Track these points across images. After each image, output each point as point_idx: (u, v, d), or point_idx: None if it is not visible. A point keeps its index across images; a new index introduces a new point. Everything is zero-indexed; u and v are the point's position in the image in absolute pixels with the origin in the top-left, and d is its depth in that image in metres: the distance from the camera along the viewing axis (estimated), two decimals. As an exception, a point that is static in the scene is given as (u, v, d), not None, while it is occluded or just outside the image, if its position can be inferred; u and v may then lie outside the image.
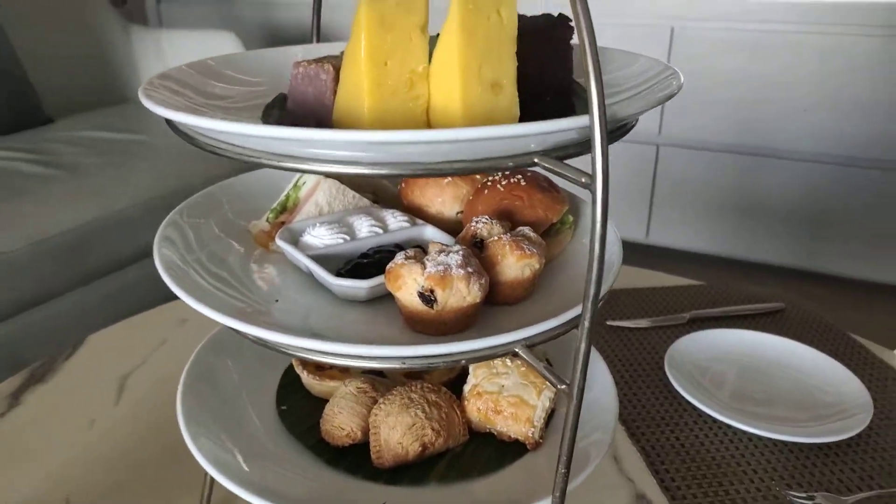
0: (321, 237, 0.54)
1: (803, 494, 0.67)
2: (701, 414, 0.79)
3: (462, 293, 0.44)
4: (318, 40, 0.67)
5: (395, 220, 0.57)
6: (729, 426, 0.77)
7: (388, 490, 0.53)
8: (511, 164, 0.37)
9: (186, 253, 0.55)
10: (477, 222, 0.51)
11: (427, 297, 0.44)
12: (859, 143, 2.23)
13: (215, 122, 0.37)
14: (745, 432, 0.76)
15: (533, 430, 0.56)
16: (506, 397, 0.56)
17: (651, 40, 2.34)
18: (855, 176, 2.26)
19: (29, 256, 1.43)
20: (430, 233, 0.57)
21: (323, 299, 0.51)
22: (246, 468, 0.54)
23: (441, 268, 0.45)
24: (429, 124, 0.42)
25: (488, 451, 0.57)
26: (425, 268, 0.45)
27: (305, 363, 0.63)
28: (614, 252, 0.53)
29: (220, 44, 2.39)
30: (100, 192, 1.64)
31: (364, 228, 0.55)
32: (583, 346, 0.38)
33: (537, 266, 0.49)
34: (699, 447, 0.74)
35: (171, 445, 0.73)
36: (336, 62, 0.45)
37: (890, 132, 2.19)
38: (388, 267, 0.47)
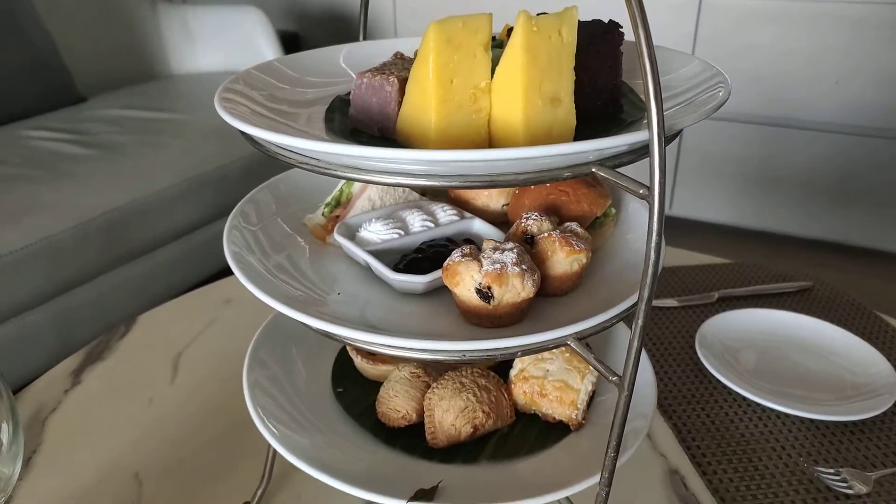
0: (377, 232, 0.57)
1: (830, 470, 0.70)
2: (731, 392, 0.82)
3: (517, 289, 0.48)
4: (365, 37, 0.69)
5: (445, 214, 0.60)
6: (758, 404, 0.80)
7: (442, 468, 0.56)
8: (568, 174, 0.39)
9: (254, 245, 0.58)
10: (527, 219, 0.54)
11: (484, 294, 0.47)
12: (887, 115, 2.21)
13: (299, 140, 0.40)
14: (773, 410, 0.79)
15: (577, 412, 0.60)
16: (551, 381, 0.60)
17: (679, 11, 2.31)
18: (883, 147, 2.24)
19: (73, 238, 1.48)
20: (478, 226, 0.60)
21: (381, 292, 0.54)
22: (308, 445, 0.57)
23: (498, 266, 0.48)
24: (490, 136, 0.45)
25: (533, 431, 0.61)
26: (482, 265, 0.48)
27: (359, 349, 0.67)
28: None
29: (245, 19, 2.41)
30: (138, 171, 1.68)
31: (416, 223, 0.58)
32: (636, 342, 0.41)
33: (585, 261, 0.52)
34: (728, 424, 0.78)
35: (229, 422, 0.78)
36: (400, 74, 0.47)
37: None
38: (445, 264, 0.50)
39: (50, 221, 1.46)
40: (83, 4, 2.28)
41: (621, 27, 0.50)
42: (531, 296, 0.48)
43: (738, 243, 2.44)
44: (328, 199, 0.64)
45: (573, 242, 0.51)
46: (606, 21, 0.51)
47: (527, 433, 0.61)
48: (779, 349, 0.89)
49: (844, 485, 0.69)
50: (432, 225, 0.59)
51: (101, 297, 1.58)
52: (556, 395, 0.60)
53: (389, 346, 0.45)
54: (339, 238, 0.57)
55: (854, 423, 0.77)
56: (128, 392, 0.84)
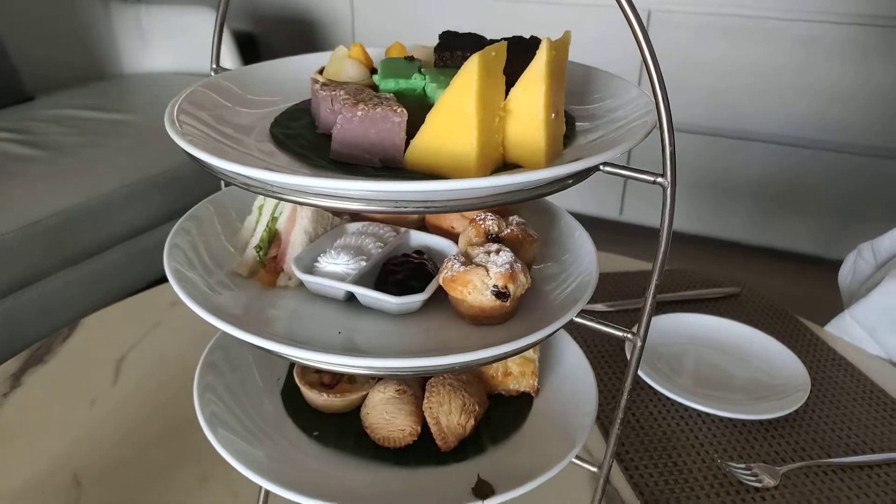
0: (345, 263, 0.56)
1: (742, 465, 0.75)
2: (655, 392, 0.86)
3: (523, 283, 0.53)
4: (218, 63, 0.69)
5: (385, 232, 0.61)
6: (681, 405, 0.84)
7: (468, 466, 0.60)
8: (572, 181, 0.46)
9: (197, 262, 0.60)
10: (483, 220, 0.58)
11: (502, 293, 0.52)
12: (833, 129, 2.31)
13: (295, 177, 0.41)
14: (695, 410, 0.83)
15: (535, 379, 0.67)
16: (513, 359, 0.65)
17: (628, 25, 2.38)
18: (828, 159, 2.34)
19: (19, 239, 1.47)
20: (417, 237, 0.63)
21: (367, 320, 0.55)
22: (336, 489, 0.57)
23: (507, 266, 0.52)
24: (505, 153, 0.48)
25: (507, 408, 0.67)
26: (488, 270, 0.52)
27: (306, 378, 0.66)
28: (592, 267, 0.60)
29: (199, 19, 2.40)
30: (85, 173, 1.67)
31: (370, 246, 0.59)
32: (649, 300, 0.51)
33: (538, 246, 0.58)
34: (652, 423, 0.82)
35: (170, 424, 0.79)
36: (386, 104, 0.48)
37: (856, 118, 2.27)
38: (447, 276, 0.53)
39: (-6, 223, 1.44)
40: (33, 2, 2.24)
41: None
42: (529, 286, 0.54)
43: (684, 249, 2.52)
44: (255, 242, 0.61)
45: (530, 232, 0.57)
46: (528, 37, 0.56)
47: (503, 411, 0.66)
48: (702, 352, 0.94)
49: (754, 479, 0.73)
50: (382, 245, 0.60)
51: (46, 299, 1.56)
52: (519, 370, 0.65)
53: (440, 367, 0.49)
54: (309, 277, 0.56)
55: (767, 421, 0.82)
56: (69, 395, 0.85)
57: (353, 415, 0.66)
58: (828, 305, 1.16)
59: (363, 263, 0.57)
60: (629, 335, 0.54)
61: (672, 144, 0.44)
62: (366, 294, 0.54)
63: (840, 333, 1.02)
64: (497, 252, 0.54)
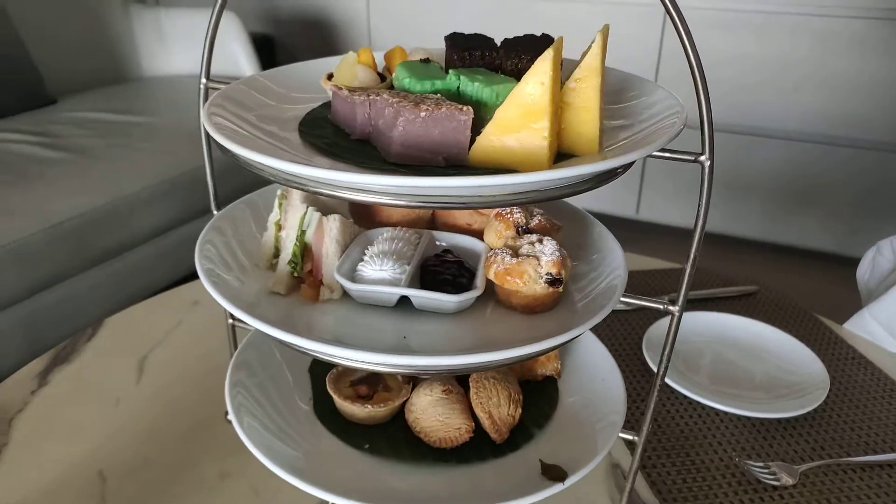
0: (391, 269, 0.57)
1: (760, 464, 0.75)
2: (673, 391, 0.86)
3: (569, 268, 0.56)
4: (209, 77, 0.66)
5: (408, 234, 0.62)
6: (699, 403, 0.84)
7: (525, 453, 0.63)
8: (621, 171, 0.48)
9: (231, 262, 0.62)
10: (510, 214, 0.61)
11: (556, 280, 0.55)
12: (843, 123, 2.29)
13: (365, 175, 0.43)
14: (713, 408, 0.83)
15: (559, 362, 0.72)
16: None
17: (645, 21, 2.37)
18: (839, 154, 2.32)
19: (43, 241, 1.50)
20: (442, 236, 0.64)
21: (421, 321, 0.56)
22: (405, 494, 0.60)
23: (557, 254, 0.56)
24: (557, 147, 0.50)
25: (537, 393, 0.70)
26: (539, 259, 0.55)
27: (343, 392, 0.67)
28: (619, 277, 0.61)
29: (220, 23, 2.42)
30: (108, 174, 1.69)
31: (404, 250, 0.59)
32: (688, 270, 0.55)
33: (562, 235, 0.62)
34: (670, 422, 0.82)
35: (193, 421, 0.80)
36: (453, 103, 0.48)
37: (874, 114, 2.24)
38: (499, 269, 0.55)
39: (19, 225, 1.47)
40: (54, 5, 2.28)
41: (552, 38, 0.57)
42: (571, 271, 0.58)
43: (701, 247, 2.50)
44: (287, 258, 0.61)
45: (555, 221, 0.60)
46: (539, 35, 0.58)
47: (535, 397, 0.70)
48: (721, 351, 0.94)
49: (773, 477, 0.73)
50: (413, 248, 0.61)
51: (70, 299, 1.59)
52: (544, 357, 0.69)
53: (481, 363, 0.50)
54: (361, 286, 0.56)
55: (786, 419, 0.82)
56: (94, 393, 0.87)
57: (391, 422, 0.67)
58: (846, 303, 1.15)
59: (407, 267, 0.57)
60: (669, 306, 0.57)
61: (710, 126, 0.48)
62: (424, 296, 0.55)
63: (859, 331, 1.02)
64: (540, 242, 0.58)
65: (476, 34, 0.61)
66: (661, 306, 0.58)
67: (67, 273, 1.59)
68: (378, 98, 0.51)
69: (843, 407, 0.85)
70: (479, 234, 0.65)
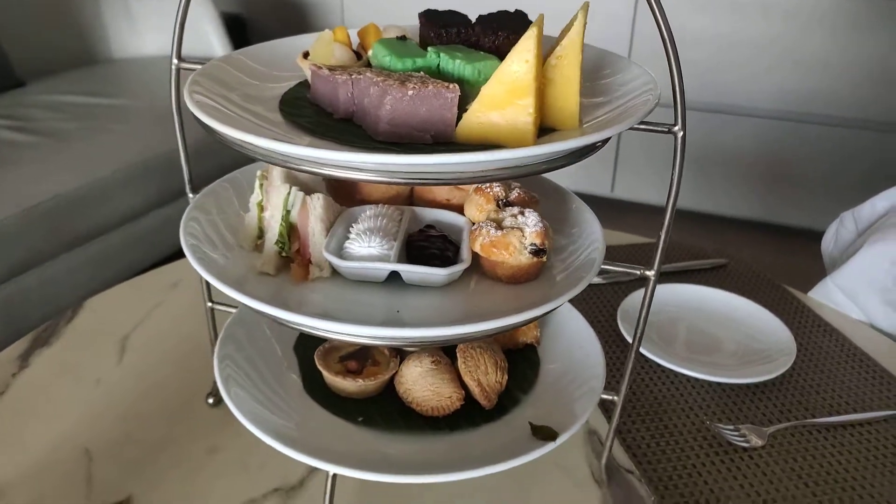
0: (378, 246, 0.57)
1: (730, 426, 0.78)
2: (647, 360, 0.89)
3: (552, 238, 0.58)
4: (180, 58, 0.63)
5: (390, 211, 0.62)
6: (672, 371, 0.87)
7: (514, 417, 0.66)
8: (601, 144, 0.50)
9: (217, 239, 0.62)
10: (490, 188, 0.62)
11: (540, 250, 0.57)
12: (814, 100, 2.33)
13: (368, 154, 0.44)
14: (685, 376, 0.86)
15: (538, 330, 0.74)
16: None
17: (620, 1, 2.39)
18: (809, 131, 2.37)
19: (18, 224, 1.48)
20: (428, 212, 0.65)
21: (411, 295, 0.57)
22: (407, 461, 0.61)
23: (540, 225, 0.58)
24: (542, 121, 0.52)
25: (518, 361, 0.73)
26: (523, 231, 0.57)
27: (332, 367, 0.68)
28: (598, 250, 0.63)
29: (191, 2, 2.38)
30: (81, 157, 1.68)
31: (389, 226, 0.60)
32: (663, 236, 0.58)
33: (540, 207, 0.64)
34: (644, 389, 0.85)
35: (174, 399, 0.81)
36: (439, 81, 0.49)
37: (842, 91, 2.29)
38: (485, 241, 0.57)
39: (-6, 208, 1.45)
40: (20, -14, 2.23)
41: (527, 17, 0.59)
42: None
43: (674, 223, 2.55)
44: (273, 238, 0.61)
45: (532, 193, 0.62)
46: (513, 11, 0.59)
47: (518, 364, 0.72)
48: (693, 321, 0.97)
49: (742, 439, 0.76)
50: (396, 224, 0.61)
51: (48, 283, 1.58)
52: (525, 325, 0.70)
53: (473, 333, 0.52)
54: (352, 263, 0.57)
55: (755, 385, 0.85)
56: (75, 374, 0.87)
57: (382, 395, 0.69)
58: (813, 274, 1.19)
59: (394, 243, 0.58)
60: (645, 271, 0.61)
61: (682, 98, 0.50)
62: (414, 270, 0.56)
63: (823, 299, 1.05)
64: (522, 214, 0.59)
65: (450, 10, 0.62)
66: (638, 272, 0.61)
67: (44, 256, 1.57)
68: (361, 77, 0.51)
69: (808, 372, 0.88)
70: (458, 209, 0.67)
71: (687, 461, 0.74)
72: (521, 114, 0.48)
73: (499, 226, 0.59)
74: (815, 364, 0.90)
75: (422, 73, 0.53)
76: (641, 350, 0.88)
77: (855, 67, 2.24)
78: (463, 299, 0.57)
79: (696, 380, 0.86)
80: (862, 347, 0.93)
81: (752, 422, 0.80)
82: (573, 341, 0.75)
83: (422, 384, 0.66)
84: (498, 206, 0.62)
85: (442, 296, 0.57)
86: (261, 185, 0.64)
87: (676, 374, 0.87)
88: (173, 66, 0.63)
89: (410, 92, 0.47)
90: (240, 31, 2.90)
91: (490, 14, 0.60)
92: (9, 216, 1.48)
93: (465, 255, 0.58)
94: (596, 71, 0.63)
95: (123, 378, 0.86)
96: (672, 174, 0.54)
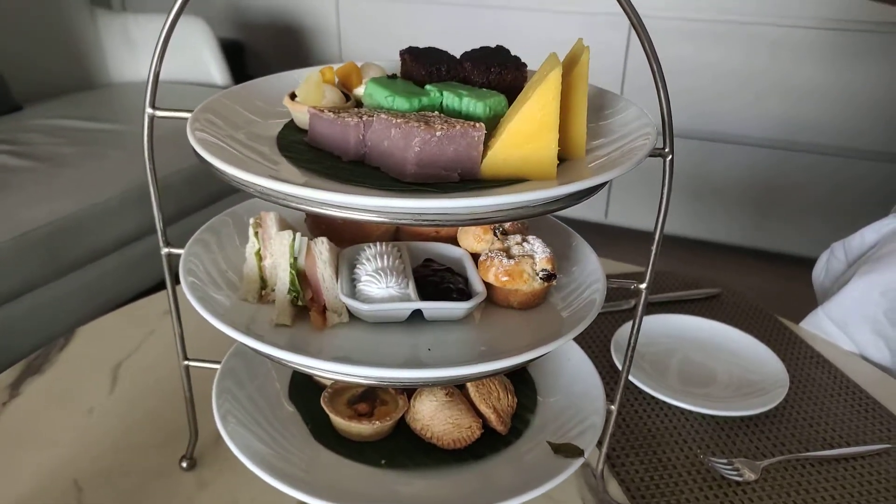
0: (396, 286, 0.58)
1: (724, 460, 0.78)
2: (640, 391, 0.89)
3: (554, 263, 0.61)
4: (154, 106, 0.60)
5: (389, 248, 0.62)
6: (665, 403, 0.87)
7: (530, 438, 0.68)
8: (600, 187, 0.51)
9: (221, 281, 0.62)
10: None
11: (551, 275, 0.60)
12: (799, 129, 2.36)
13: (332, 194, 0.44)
14: (678, 408, 0.86)
15: None
16: None
17: (611, 30, 2.42)
18: (798, 159, 2.39)
19: (13, 249, 1.48)
20: (422, 246, 0.66)
21: (431, 332, 0.58)
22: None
23: (548, 251, 0.61)
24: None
25: (514, 381, 0.74)
26: (533, 258, 0.59)
27: (343, 412, 0.66)
28: (598, 290, 0.64)
29: (187, 28, 2.41)
30: (77, 183, 1.68)
31: (396, 265, 0.60)
32: (654, 250, 0.59)
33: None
34: (637, 421, 0.85)
35: (166, 430, 0.81)
36: (463, 121, 0.50)
37: (831, 121, 2.32)
38: (498, 272, 0.59)
39: (-12, 233, 1.45)
40: (19, 11, 2.25)
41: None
42: None
43: (666, 251, 2.55)
44: (285, 289, 0.59)
45: (524, 222, 0.65)
46: (494, 46, 0.61)
47: (515, 385, 0.73)
48: (685, 352, 0.97)
49: (736, 473, 0.76)
50: (400, 262, 0.61)
51: (41, 309, 1.57)
52: None
53: (493, 370, 0.53)
54: (376, 306, 0.56)
55: (749, 417, 0.85)
56: (67, 403, 0.86)
57: (393, 435, 0.68)
58: (805, 300, 1.19)
59: (408, 281, 0.59)
60: (637, 284, 0.62)
61: (670, 124, 0.53)
62: (437, 307, 0.57)
63: (814, 329, 1.06)
64: (526, 241, 0.62)
65: (430, 48, 0.62)
66: (631, 286, 0.62)
67: (39, 281, 1.57)
68: (373, 119, 0.51)
69: (802, 404, 0.88)
70: (445, 240, 0.68)
71: (681, 495, 0.74)
72: (546, 149, 0.50)
73: (508, 254, 0.61)
74: (808, 396, 0.90)
75: (437, 112, 0.54)
76: (634, 381, 0.88)
77: (845, 97, 2.28)
78: (479, 333, 0.59)
79: (690, 412, 0.86)
80: (854, 379, 0.94)
81: (746, 454, 0.80)
82: (559, 352, 0.76)
83: (440, 418, 0.66)
84: (495, 234, 0.64)
85: (460, 330, 0.58)
86: (255, 232, 0.62)
87: (669, 406, 0.87)
88: (146, 115, 0.58)
89: (439, 133, 0.48)
90: (238, 58, 2.93)
91: (474, 50, 0.61)
92: (4, 241, 1.48)
93: (479, 286, 0.60)
94: (598, 110, 0.64)
95: (115, 407, 0.86)
96: (661, 194, 0.56)
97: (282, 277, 0.59)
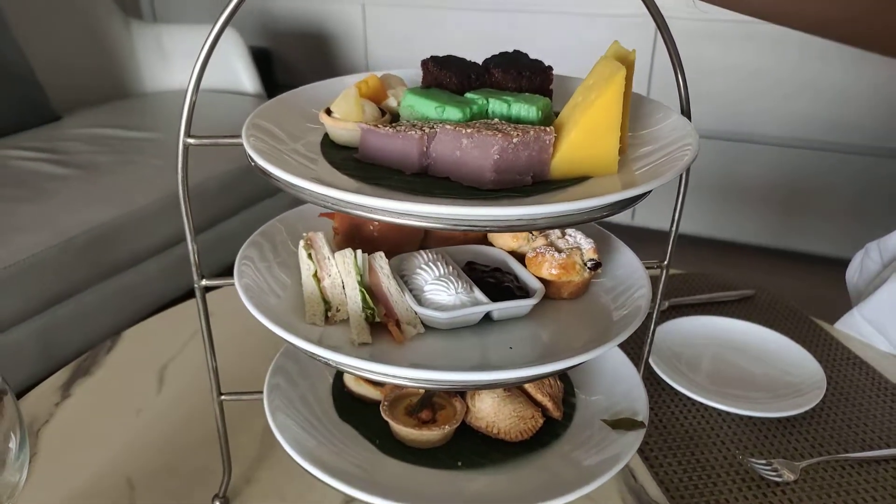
0: (464, 291, 0.59)
1: (762, 461, 0.78)
2: (678, 393, 0.89)
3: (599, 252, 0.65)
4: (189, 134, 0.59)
5: (435, 255, 0.64)
6: (701, 403, 0.87)
7: (582, 420, 0.71)
8: (644, 196, 0.54)
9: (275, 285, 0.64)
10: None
11: (598, 264, 0.64)
12: (832, 129, 2.33)
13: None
14: (715, 409, 0.86)
15: None
16: None
17: (638, 31, 2.42)
18: (828, 159, 2.37)
19: (56, 255, 1.53)
20: (462, 249, 0.68)
21: (497, 332, 0.60)
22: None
23: (591, 242, 0.64)
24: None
25: None
26: (580, 249, 0.63)
27: (406, 421, 0.66)
28: (644, 286, 0.66)
29: (222, 39, 2.45)
30: (117, 189, 1.73)
31: (450, 270, 0.62)
32: (672, 234, 0.65)
33: None
34: (675, 422, 0.85)
35: (212, 429, 0.83)
36: (487, 126, 0.51)
37: (862, 119, 2.29)
38: (552, 266, 0.62)
39: (32, 240, 1.50)
40: (57, 23, 2.31)
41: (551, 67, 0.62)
42: None
43: (698, 252, 2.55)
44: (358, 308, 0.59)
45: None
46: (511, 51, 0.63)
47: None
48: (721, 353, 0.97)
49: (775, 473, 0.77)
50: (449, 266, 0.63)
51: (83, 312, 1.62)
52: None
53: (556, 370, 0.55)
54: (454, 313, 0.57)
55: (786, 418, 0.85)
56: (116, 404, 0.89)
57: (456, 437, 0.68)
58: (838, 302, 1.19)
59: (471, 285, 0.61)
60: (659, 263, 0.66)
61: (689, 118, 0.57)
62: (508, 306, 0.59)
63: (849, 330, 1.05)
64: (568, 235, 0.65)
65: (449, 56, 0.63)
66: (654, 265, 0.66)
67: (80, 286, 1.61)
68: (436, 130, 0.52)
69: (839, 405, 0.88)
70: (475, 242, 0.70)
71: (720, 496, 0.74)
72: (611, 147, 0.52)
73: (556, 248, 0.64)
74: (846, 397, 0.90)
75: (495, 119, 0.55)
76: (671, 382, 0.89)
77: (875, 96, 2.25)
78: (539, 328, 0.61)
79: (727, 413, 0.86)
80: (892, 380, 0.93)
81: (784, 455, 0.80)
82: (615, 375, 0.76)
83: (505, 412, 0.67)
84: (530, 231, 0.66)
85: (522, 327, 0.61)
86: (308, 254, 0.62)
87: (706, 407, 0.87)
88: (181, 143, 0.58)
89: (516, 139, 0.50)
90: (266, 66, 2.97)
91: (494, 56, 0.62)
92: (47, 247, 1.52)
93: (535, 281, 0.62)
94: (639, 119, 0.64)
95: (163, 408, 0.88)
96: (680, 180, 0.61)
97: (352, 296, 0.59)
